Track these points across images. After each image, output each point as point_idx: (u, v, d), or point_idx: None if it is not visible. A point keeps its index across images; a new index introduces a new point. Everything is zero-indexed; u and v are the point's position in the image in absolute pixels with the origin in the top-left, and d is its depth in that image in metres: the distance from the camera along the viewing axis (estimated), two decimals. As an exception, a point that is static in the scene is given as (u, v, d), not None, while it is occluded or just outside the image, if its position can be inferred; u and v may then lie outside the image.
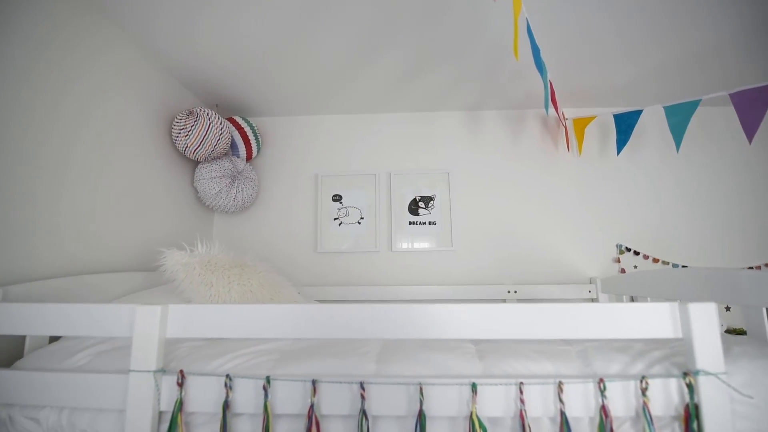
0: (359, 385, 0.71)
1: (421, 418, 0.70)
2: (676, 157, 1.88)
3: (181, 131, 1.47)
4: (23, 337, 0.93)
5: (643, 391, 0.70)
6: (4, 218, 0.95)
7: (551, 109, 1.61)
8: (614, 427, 0.70)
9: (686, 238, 1.84)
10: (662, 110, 1.60)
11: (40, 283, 0.98)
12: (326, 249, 1.85)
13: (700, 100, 1.51)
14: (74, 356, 0.85)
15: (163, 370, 0.75)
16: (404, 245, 1.85)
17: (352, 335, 0.74)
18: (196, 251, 1.28)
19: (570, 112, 1.92)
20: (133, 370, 0.74)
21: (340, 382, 0.72)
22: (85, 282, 1.14)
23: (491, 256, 1.85)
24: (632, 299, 1.72)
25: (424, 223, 1.85)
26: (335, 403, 0.72)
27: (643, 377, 0.70)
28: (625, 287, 1.59)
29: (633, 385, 0.71)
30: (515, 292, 1.81)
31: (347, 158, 1.94)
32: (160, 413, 0.75)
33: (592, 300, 1.83)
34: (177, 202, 1.64)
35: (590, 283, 1.84)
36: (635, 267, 1.83)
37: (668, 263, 1.82)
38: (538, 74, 1.37)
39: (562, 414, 0.69)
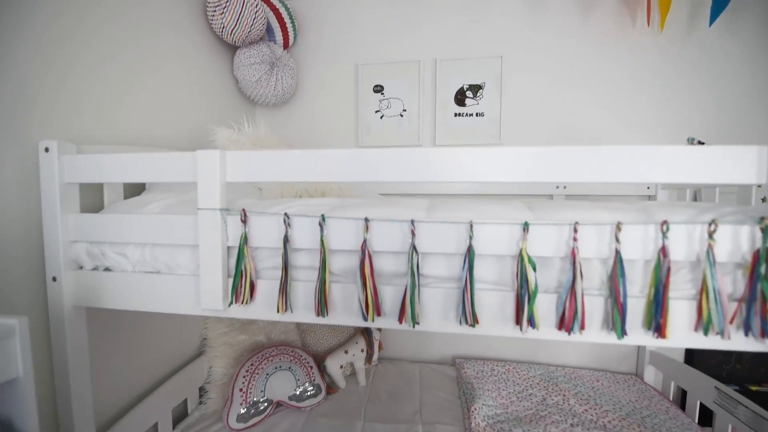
0: (410, 222, 0.73)
1: (469, 254, 0.72)
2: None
3: (216, 9, 1.42)
4: (101, 194, 1.03)
5: (710, 234, 0.66)
6: (75, 89, 1.00)
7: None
8: (671, 272, 0.69)
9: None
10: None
11: (107, 147, 1.05)
12: (367, 143, 1.83)
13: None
14: (147, 206, 0.93)
15: (227, 209, 0.81)
16: (448, 139, 1.79)
17: (397, 177, 0.74)
18: (243, 129, 1.31)
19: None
20: (201, 209, 0.80)
21: (392, 220, 0.75)
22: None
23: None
24: (695, 197, 1.60)
25: (471, 115, 1.75)
26: (386, 239, 0.75)
27: (714, 220, 0.66)
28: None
29: (699, 230, 0.68)
30: (564, 187, 1.73)
31: (389, 45, 1.81)
32: (228, 248, 0.83)
33: (649, 198, 1.72)
34: (219, 95, 1.64)
35: (649, 178, 1.71)
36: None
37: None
38: None
39: (617, 254, 0.68)
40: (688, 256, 0.68)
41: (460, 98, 1.75)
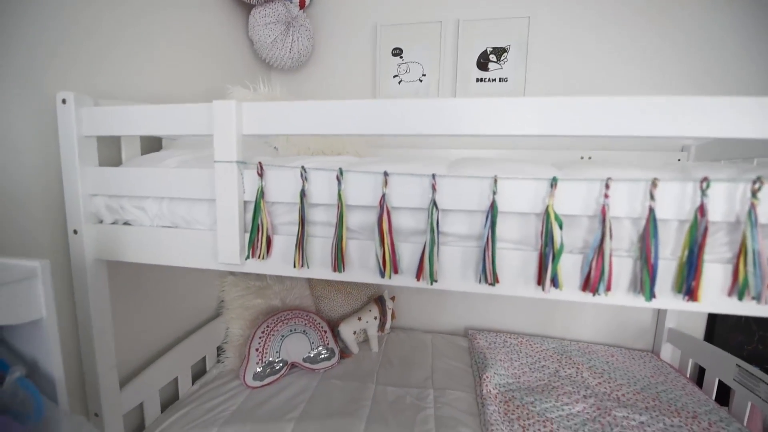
0: (431, 177, 0.71)
1: (492, 210, 0.69)
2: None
3: (234, -36, 1.36)
4: (119, 150, 1.02)
5: (754, 192, 0.62)
6: (96, 47, 0.98)
7: None
8: (708, 232, 0.65)
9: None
10: None
11: (124, 104, 1.04)
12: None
13: None
14: (164, 161, 0.92)
15: (243, 162, 0.79)
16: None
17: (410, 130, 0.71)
18: (259, 89, 1.28)
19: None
20: (218, 161, 0.79)
21: (412, 174, 0.72)
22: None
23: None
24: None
25: (494, 80, 1.67)
26: (406, 195, 0.73)
27: (759, 177, 0.62)
28: (730, 151, 1.38)
29: (741, 188, 0.63)
30: (590, 158, 1.66)
31: (410, 4, 1.73)
32: (245, 203, 0.82)
33: (677, 170, 1.64)
34: (233, 58, 1.61)
35: (681, 150, 1.63)
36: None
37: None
38: None
39: (651, 212, 0.64)
40: (726, 217, 0.64)
41: (482, 62, 1.68)
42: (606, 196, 0.65)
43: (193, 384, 1.36)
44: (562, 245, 0.67)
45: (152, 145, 1.15)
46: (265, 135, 1.25)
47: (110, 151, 1.02)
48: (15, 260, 0.62)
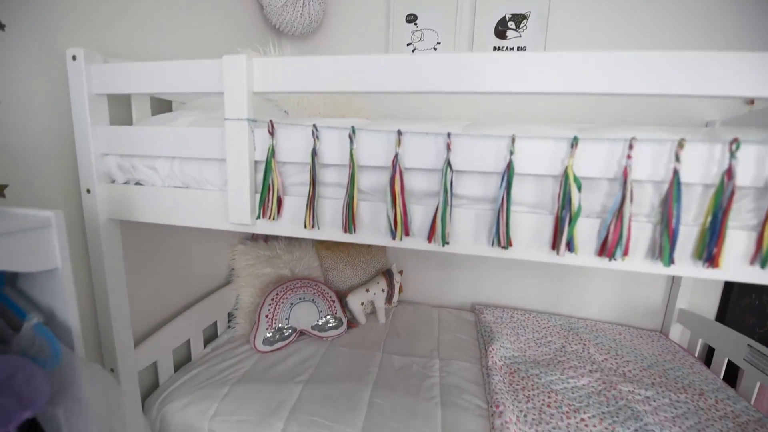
0: (446, 135, 0.69)
1: (509, 171, 0.67)
2: None
3: None
4: (129, 112, 1.02)
5: (787, 155, 0.59)
6: (106, 5, 0.96)
7: None
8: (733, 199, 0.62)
9: None
10: None
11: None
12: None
13: None
14: (175, 121, 0.91)
15: (254, 120, 0.78)
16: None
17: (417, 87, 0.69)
18: (270, 53, 1.25)
19: None
20: (228, 119, 0.77)
21: (426, 133, 0.70)
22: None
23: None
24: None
25: (512, 49, 1.61)
26: (419, 155, 0.71)
27: (794, 139, 0.58)
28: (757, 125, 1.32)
29: (773, 151, 0.60)
30: (605, 133, 1.61)
31: (425, -31, 1.66)
32: (255, 163, 0.81)
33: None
34: (243, 22, 1.57)
35: (705, 126, 1.57)
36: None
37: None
38: None
39: (675, 174, 0.62)
40: (755, 182, 0.61)
41: (500, 30, 1.61)
42: (629, 157, 0.63)
43: (204, 347, 1.40)
44: (579, 208, 0.65)
45: (162, 109, 1.13)
46: (276, 94, 1.24)
47: (121, 113, 1.01)
48: (30, 210, 0.63)
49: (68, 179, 0.92)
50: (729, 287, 1.65)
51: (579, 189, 0.65)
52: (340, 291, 1.70)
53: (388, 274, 1.73)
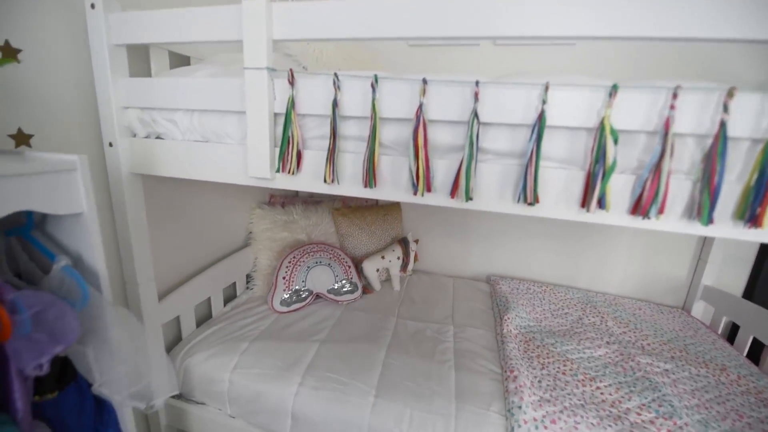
0: (474, 84, 0.65)
1: (540, 122, 0.63)
2: None
3: None
4: (148, 66, 1.01)
5: None
6: None
7: None
8: (784, 154, 0.58)
9: None
10: None
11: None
12: (419, 42, 1.67)
13: None
14: (194, 73, 0.90)
15: (274, 69, 0.75)
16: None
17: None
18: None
19: None
20: (247, 68, 0.75)
21: (453, 81, 0.67)
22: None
23: (622, 50, 1.52)
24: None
25: None
26: (444, 106, 0.68)
27: None
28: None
29: (837, 102, 0.55)
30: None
31: None
32: (275, 116, 0.79)
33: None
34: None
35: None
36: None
37: None
38: None
39: (722, 126, 0.57)
40: (811, 136, 0.57)
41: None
42: (672, 107, 0.59)
43: (224, 306, 1.43)
44: (614, 162, 0.62)
45: (181, 65, 1.12)
46: (295, 48, 1.20)
47: (140, 68, 1.00)
48: (56, 155, 0.63)
49: (90, 133, 0.93)
50: (759, 264, 1.58)
51: (615, 142, 0.62)
52: (356, 257, 1.71)
53: (403, 243, 1.72)
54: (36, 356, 0.54)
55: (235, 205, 1.52)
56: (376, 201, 1.96)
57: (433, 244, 1.96)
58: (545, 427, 0.93)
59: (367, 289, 1.63)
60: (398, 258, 1.68)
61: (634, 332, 1.42)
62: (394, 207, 1.88)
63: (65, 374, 0.67)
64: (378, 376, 1.09)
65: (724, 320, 1.54)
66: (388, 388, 1.04)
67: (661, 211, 0.62)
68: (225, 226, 1.47)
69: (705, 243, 1.63)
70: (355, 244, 1.72)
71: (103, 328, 0.65)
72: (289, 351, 1.16)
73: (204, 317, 1.36)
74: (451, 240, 1.92)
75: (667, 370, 1.19)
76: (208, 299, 1.35)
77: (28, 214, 0.64)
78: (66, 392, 0.66)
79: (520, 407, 0.97)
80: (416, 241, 1.82)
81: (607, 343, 1.33)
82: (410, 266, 1.77)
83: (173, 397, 1.15)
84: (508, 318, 1.41)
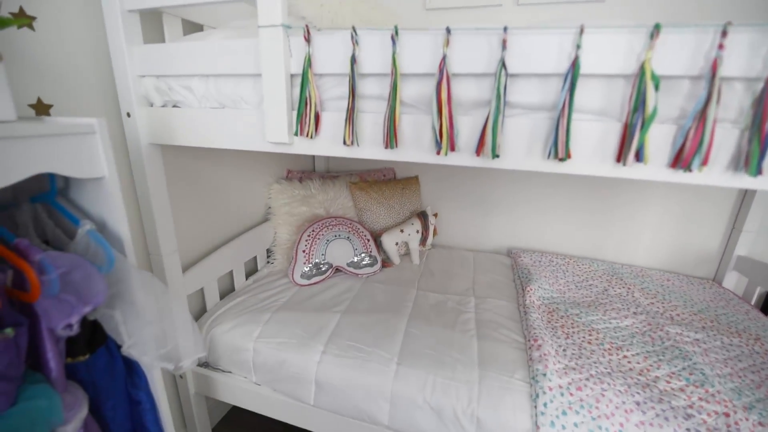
0: (502, 30, 0.61)
1: (574, 69, 0.59)
2: None
3: None
4: (162, 34, 0.99)
5: None
6: None
7: None
8: None
9: None
10: None
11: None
12: (436, 5, 1.60)
13: None
14: (207, 38, 0.88)
15: (289, 26, 0.73)
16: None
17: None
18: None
19: None
20: (262, 26, 0.73)
21: (478, 29, 0.63)
22: None
23: (657, 4, 1.42)
24: None
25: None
26: (469, 57, 0.64)
27: None
28: None
29: None
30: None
31: None
32: (291, 77, 0.77)
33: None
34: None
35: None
36: None
37: None
38: None
39: (778, 66, 0.52)
40: None
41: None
42: (720, 46, 0.54)
43: (246, 279, 1.45)
44: (655, 110, 0.57)
45: (194, 32, 1.10)
46: (309, 8, 1.16)
47: (154, 37, 0.99)
48: (75, 119, 0.63)
49: (108, 103, 0.93)
50: (799, 233, 1.50)
51: (656, 87, 0.57)
52: (374, 231, 1.70)
53: (422, 216, 1.70)
54: (65, 316, 0.55)
55: (254, 180, 1.52)
56: (394, 175, 1.93)
57: (452, 218, 1.93)
58: (571, 394, 0.92)
59: (386, 263, 1.62)
60: (417, 231, 1.67)
61: (663, 303, 1.37)
62: (412, 181, 1.85)
63: (95, 338, 0.68)
64: (400, 345, 1.09)
65: (758, 291, 1.48)
66: (410, 356, 1.04)
67: (704, 162, 0.58)
68: (244, 200, 1.48)
69: (740, 212, 1.55)
70: (373, 219, 1.71)
71: (129, 291, 0.65)
72: (311, 321, 1.17)
73: (227, 290, 1.38)
74: (471, 213, 1.89)
75: (697, 340, 1.15)
76: (231, 273, 1.37)
77: (51, 180, 0.65)
78: (97, 355, 0.68)
79: (544, 374, 0.96)
80: (435, 215, 1.79)
81: (634, 313, 1.29)
82: (429, 240, 1.75)
83: (201, 365, 1.18)
84: (531, 289, 1.39)
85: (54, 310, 0.53)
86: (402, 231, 1.63)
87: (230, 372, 1.16)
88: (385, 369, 1.01)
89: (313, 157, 1.98)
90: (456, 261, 1.70)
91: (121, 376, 0.73)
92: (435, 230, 1.79)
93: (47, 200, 0.65)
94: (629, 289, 1.46)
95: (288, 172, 1.73)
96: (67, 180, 0.69)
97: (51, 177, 0.64)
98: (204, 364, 1.19)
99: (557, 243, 1.81)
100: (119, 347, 0.67)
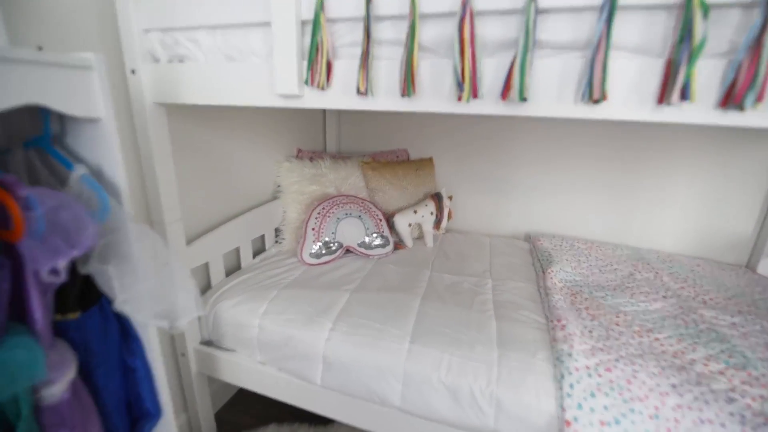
0: (533, -46, 0.55)
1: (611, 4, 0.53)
2: None
3: None
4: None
5: None
6: None
7: None
8: None
9: None
10: None
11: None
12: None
13: None
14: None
15: (299, -35, 0.68)
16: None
17: None
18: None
19: None
20: (271, -34, 0.68)
21: (507, -45, 0.57)
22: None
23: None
24: None
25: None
26: (496, -11, 0.59)
27: None
28: None
29: None
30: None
31: None
32: (302, 23, 0.72)
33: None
34: None
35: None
36: None
37: None
38: None
39: None
40: None
41: None
42: (792, -44, 0.47)
43: (253, 258, 1.41)
44: (703, 40, 0.51)
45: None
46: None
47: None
48: (70, 53, 0.59)
49: (113, 60, 0.89)
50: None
51: (706, 13, 0.50)
52: (386, 213, 1.64)
53: (437, 197, 1.64)
54: (51, 257, 0.50)
55: (262, 157, 1.49)
56: (408, 156, 1.87)
57: (467, 201, 1.86)
58: (599, 375, 0.85)
59: (398, 244, 1.56)
60: (432, 213, 1.61)
61: (694, 287, 1.29)
62: (426, 162, 1.79)
63: (89, 297, 0.64)
64: (413, 323, 1.03)
65: (797, 278, 1.38)
66: (424, 335, 0.98)
67: (759, 98, 0.51)
68: (252, 177, 1.44)
69: (777, 194, 1.45)
70: (385, 199, 1.65)
71: (124, 243, 0.61)
72: (320, 298, 1.12)
73: (233, 268, 1.34)
74: (487, 196, 1.82)
75: (734, 324, 1.07)
76: (237, 249, 1.33)
77: (45, 122, 0.61)
78: (89, 314, 0.63)
79: (570, 355, 0.89)
80: (450, 198, 1.73)
81: (664, 297, 1.21)
82: (444, 223, 1.68)
83: (203, 343, 1.14)
84: (552, 271, 1.31)
85: (39, 251, 0.49)
86: (416, 212, 1.57)
87: (234, 350, 1.11)
88: (397, 347, 0.96)
89: (324, 136, 1.93)
90: (471, 244, 1.63)
91: (114, 340, 0.69)
92: (450, 213, 1.73)
93: (41, 144, 0.61)
94: (657, 273, 1.37)
95: (298, 151, 1.69)
96: (62, 125, 0.65)
97: (45, 119, 0.61)
98: (207, 342, 1.15)
99: (577, 228, 1.73)
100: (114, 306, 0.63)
